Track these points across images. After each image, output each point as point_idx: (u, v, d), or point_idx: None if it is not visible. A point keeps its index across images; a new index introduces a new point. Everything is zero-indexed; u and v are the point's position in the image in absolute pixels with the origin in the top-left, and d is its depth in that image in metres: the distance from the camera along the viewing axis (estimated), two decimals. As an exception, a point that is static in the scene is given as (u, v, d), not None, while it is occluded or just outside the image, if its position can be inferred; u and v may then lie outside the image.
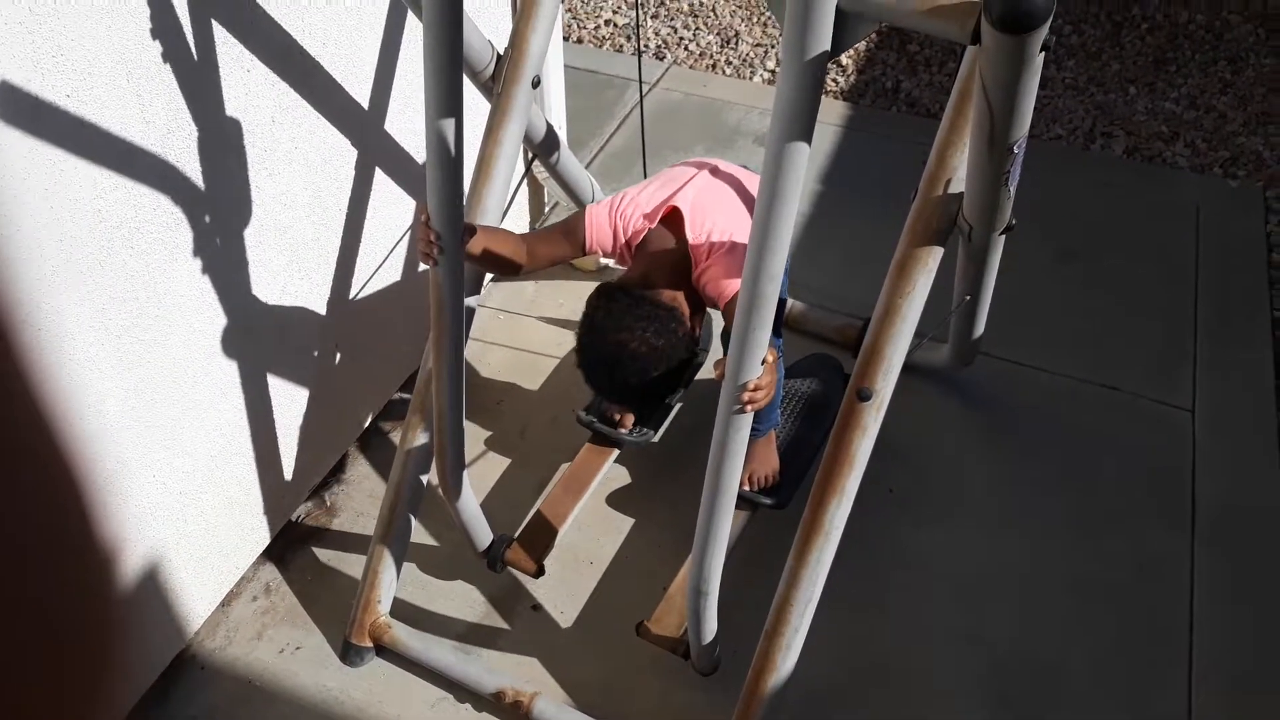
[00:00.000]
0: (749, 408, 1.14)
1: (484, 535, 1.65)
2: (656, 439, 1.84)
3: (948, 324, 1.84)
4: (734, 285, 1.44)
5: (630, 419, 1.83)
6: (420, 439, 1.59)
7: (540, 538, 1.70)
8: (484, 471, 1.96)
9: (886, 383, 1.33)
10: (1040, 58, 0.92)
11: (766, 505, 1.74)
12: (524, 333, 2.24)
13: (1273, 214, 2.58)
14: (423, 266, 1.92)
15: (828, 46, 0.92)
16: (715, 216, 1.53)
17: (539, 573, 1.68)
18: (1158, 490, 1.94)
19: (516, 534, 1.72)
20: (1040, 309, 2.29)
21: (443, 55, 1.08)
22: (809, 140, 0.96)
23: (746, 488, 1.73)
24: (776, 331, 1.64)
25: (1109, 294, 2.34)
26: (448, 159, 1.16)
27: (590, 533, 1.86)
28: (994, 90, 0.97)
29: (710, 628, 1.42)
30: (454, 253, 1.25)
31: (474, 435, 2.02)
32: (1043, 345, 2.21)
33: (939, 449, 2.02)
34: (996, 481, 1.96)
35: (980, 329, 1.82)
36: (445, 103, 1.12)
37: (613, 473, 1.90)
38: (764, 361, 1.12)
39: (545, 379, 2.14)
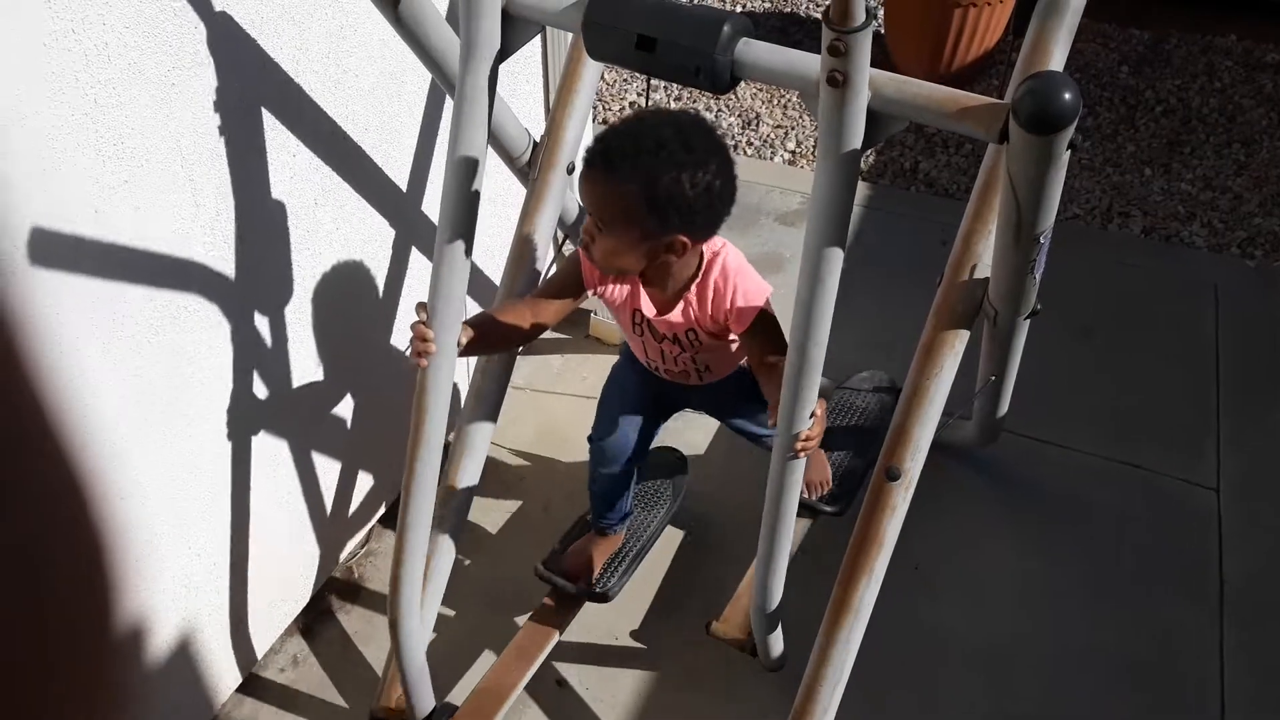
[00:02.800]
0: (801, 455, 1.24)
1: (426, 700, 1.59)
2: (614, 597, 1.77)
3: (972, 404, 1.86)
4: (750, 310, 1.41)
5: (599, 564, 1.78)
6: (451, 508, 1.61)
7: (487, 707, 1.63)
8: (505, 547, 1.98)
9: (915, 463, 1.35)
10: (1066, 155, 0.96)
11: (828, 513, 1.87)
12: (549, 408, 2.26)
13: (1291, 293, 2.60)
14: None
15: (859, 144, 0.96)
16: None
17: None
18: (1184, 568, 1.94)
19: (462, 703, 1.65)
20: (1061, 387, 2.31)
21: (467, 153, 1.16)
22: (847, 222, 1.04)
23: (806, 495, 1.81)
24: None
25: (1129, 372, 2.35)
26: (458, 260, 1.23)
27: (614, 608, 1.86)
28: (1021, 186, 1.01)
29: (775, 635, 1.55)
30: (447, 355, 1.29)
31: (497, 510, 2.04)
32: (1065, 423, 2.22)
33: (964, 526, 2.02)
34: (1020, 559, 1.96)
35: (1004, 408, 1.84)
36: (463, 206, 1.19)
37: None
38: (813, 414, 1.21)
39: (570, 454, 2.16)
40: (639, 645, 1.83)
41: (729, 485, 2.09)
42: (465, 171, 1.17)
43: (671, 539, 1.99)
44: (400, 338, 1.86)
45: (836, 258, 1.05)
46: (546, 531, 1.99)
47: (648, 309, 1.47)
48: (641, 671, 1.79)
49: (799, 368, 1.16)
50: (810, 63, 0.98)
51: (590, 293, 1.50)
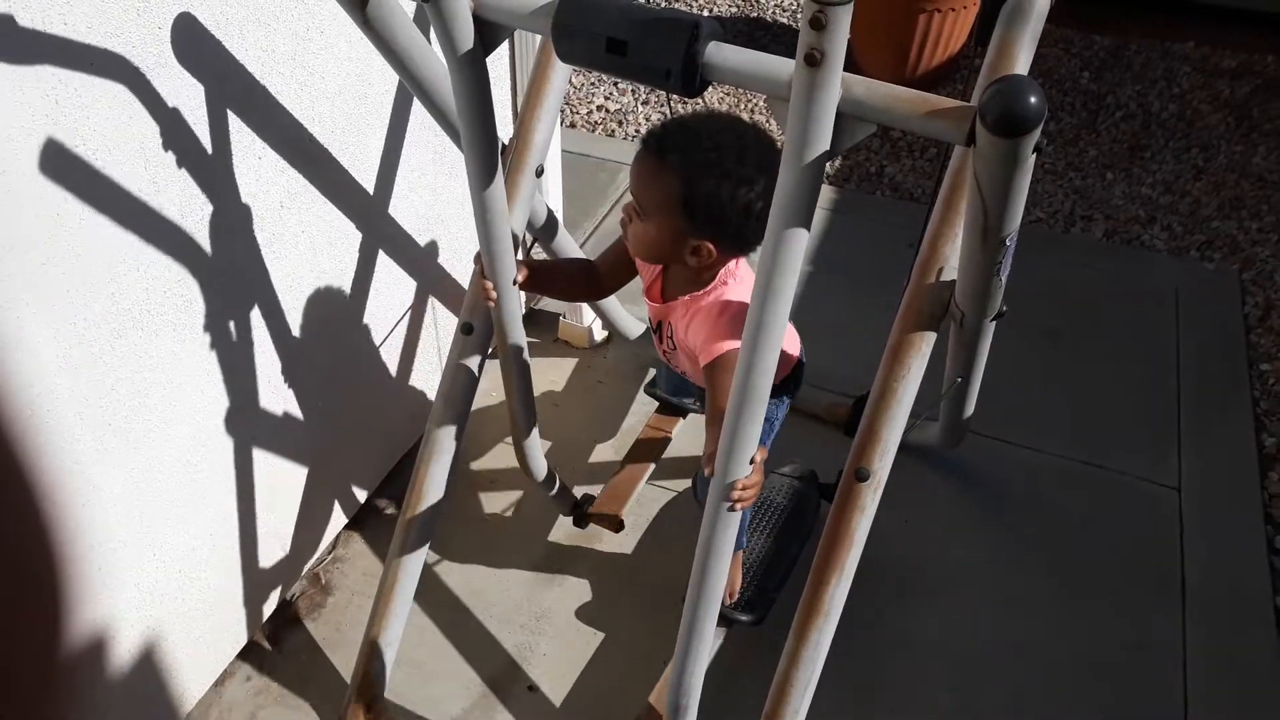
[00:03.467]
0: (738, 506, 1.16)
1: (564, 494, 1.89)
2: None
3: (938, 405, 1.87)
4: (719, 346, 1.36)
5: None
6: (420, 513, 1.60)
7: (620, 491, 1.95)
8: (473, 551, 1.97)
9: (883, 463, 1.35)
10: (1032, 158, 0.97)
11: (744, 623, 1.72)
12: (519, 411, 2.25)
13: (1249, 295, 2.65)
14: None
15: (827, 147, 0.97)
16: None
17: (619, 526, 1.91)
18: (1147, 567, 1.97)
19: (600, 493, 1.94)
20: (1026, 388, 2.33)
21: (481, 144, 1.23)
22: (807, 231, 1.02)
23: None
24: (791, 391, 1.65)
25: (1092, 373, 2.39)
26: (498, 227, 1.34)
27: (587, 613, 1.86)
28: (988, 188, 1.02)
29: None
30: (508, 296, 1.45)
31: (467, 514, 2.04)
32: (1029, 424, 2.25)
33: (930, 527, 2.04)
34: (986, 560, 1.98)
35: (971, 409, 1.86)
36: (488, 181, 1.29)
37: (604, 565, 1.91)
38: (752, 460, 1.14)
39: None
40: (612, 648, 1.82)
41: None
42: (485, 151, 1.26)
43: (651, 540, 2.00)
44: (371, 339, 1.84)
45: (793, 268, 1.02)
46: (516, 535, 1.99)
47: (654, 291, 1.49)
48: (615, 675, 1.78)
49: (740, 400, 1.09)
50: (779, 66, 0.98)
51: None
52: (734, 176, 1.26)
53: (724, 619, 1.63)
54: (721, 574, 1.26)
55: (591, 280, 1.61)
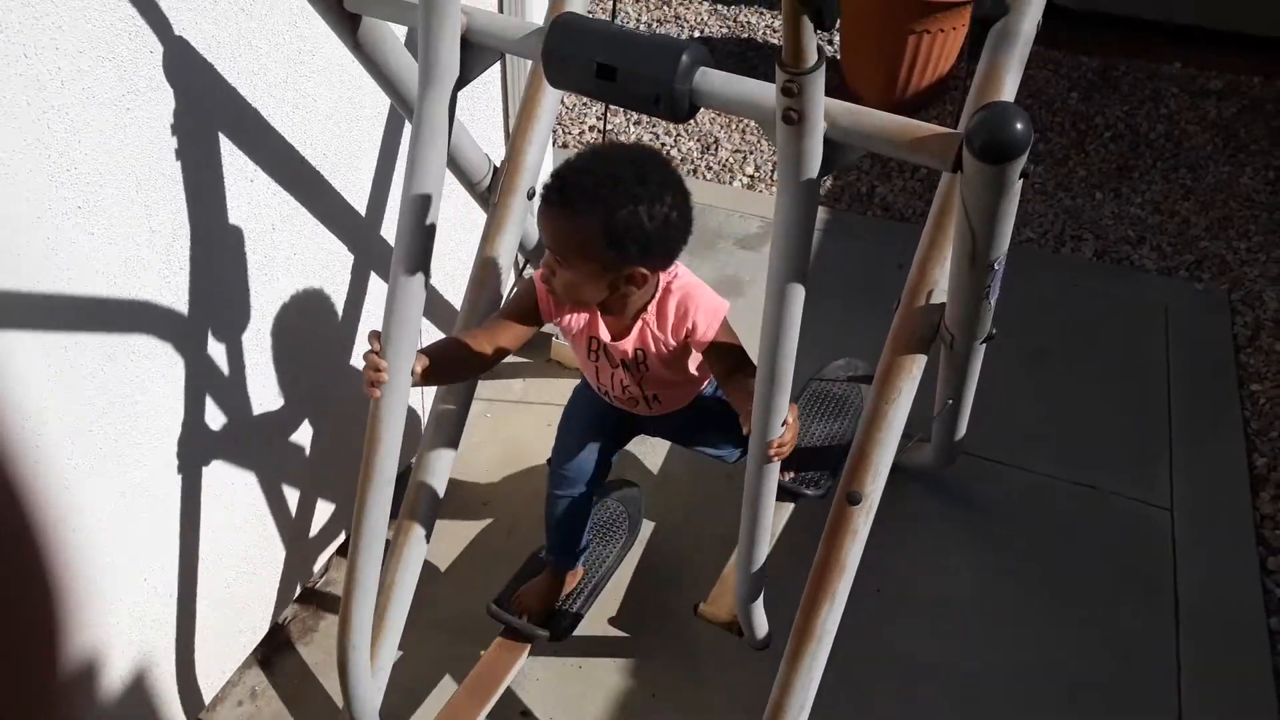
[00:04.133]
0: (776, 458, 1.28)
1: None
2: (567, 635, 1.77)
3: (932, 426, 1.88)
4: (710, 315, 1.45)
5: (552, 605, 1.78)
6: (412, 537, 1.59)
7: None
8: (468, 573, 1.96)
9: (875, 486, 1.36)
10: (1019, 184, 0.97)
11: (809, 496, 1.92)
12: (511, 432, 2.26)
13: (1238, 315, 2.66)
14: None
15: (816, 174, 0.98)
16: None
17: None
18: (1139, 586, 1.97)
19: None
20: (1017, 408, 2.34)
21: (426, 180, 1.17)
22: (809, 245, 1.06)
23: (785, 479, 1.88)
24: None
25: (1083, 393, 2.39)
26: (414, 288, 1.21)
27: (580, 635, 1.85)
28: (975, 214, 1.03)
29: (760, 620, 1.59)
30: (401, 385, 1.26)
31: (460, 536, 2.03)
32: (1021, 444, 2.25)
33: (924, 548, 2.04)
34: (980, 580, 1.98)
35: (962, 430, 1.86)
36: (418, 233, 1.18)
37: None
38: (784, 422, 1.25)
39: (533, 478, 2.15)
40: (602, 672, 1.81)
41: (691, 509, 2.09)
42: (422, 200, 1.17)
43: (632, 563, 1.99)
44: (358, 363, 1.84)
45: (800, 277, 1.08)
46: (511, 557, 1.98)
47: (604, 334, 1.50)
48: (605, 698, 1.77)
49: (769, 380, 1.19)
50: (767, 92, 0.99)
51: (549, 322, 1.51)
52: (643, 198, 1.27)
53: (792, 494, 1.93)
54: (768, 516, 1.38)
55: (476, 355, 1.45)
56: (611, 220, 1.27)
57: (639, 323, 1.47)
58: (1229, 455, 2.25)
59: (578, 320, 1.50)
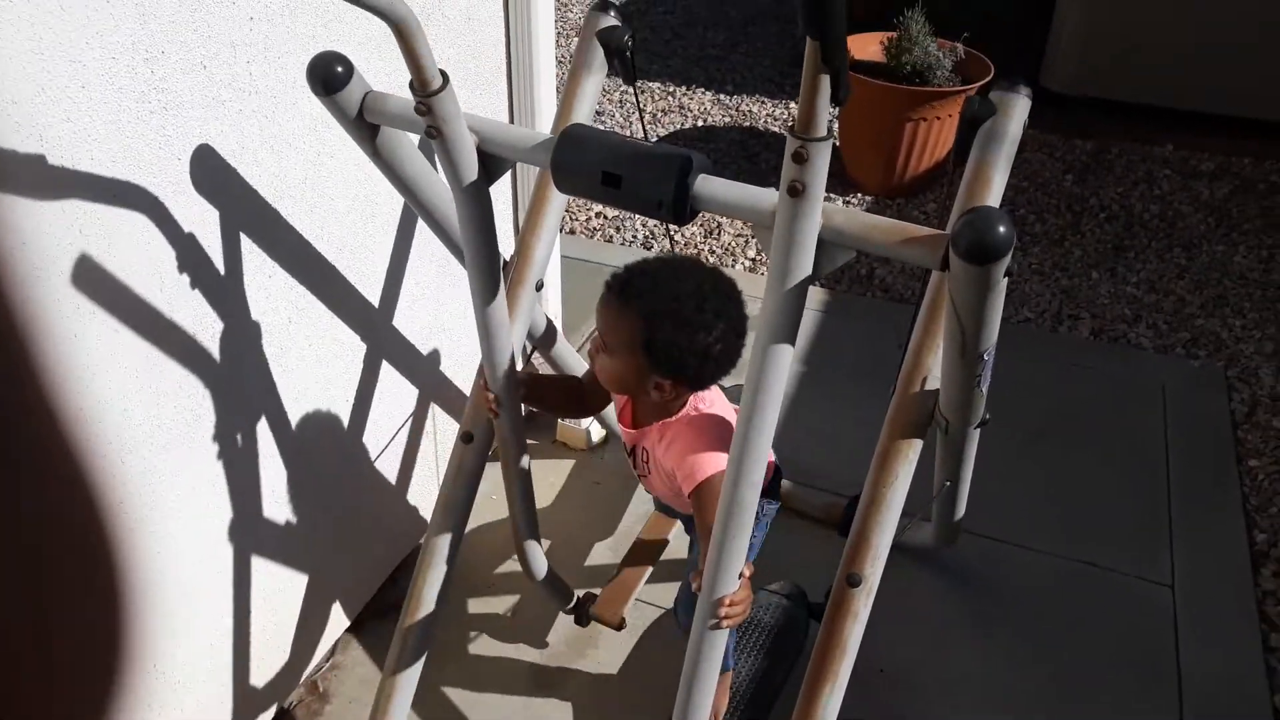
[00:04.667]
0: (725, 623, 1.19)
1: (565, 592, 1.89)
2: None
3: (930, 508, 1.91)
4: (701, 469, 1.42)
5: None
6: (418, 622, 1.61)
7: (620, 593, 1.93)
8: (473, 655, 1.98)
9: (875, 568, 1.38)
10: (1004, 282, 1.02)
11: None
12: (518, 513, 2.28)
13: (1235, 392, 2.70)
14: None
15: (809, 273, 1.03)
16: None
17: (621, 625, 1.87)
18: (1142, 666, 1.97)
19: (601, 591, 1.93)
20: (1017, 487, 2.36)
21: (484, 265, 1.30)
22: (791, 348, 1.07)
23: None
24: (774, 494, 1.70)
25: (1082, 471, 2.42)
26: (498, 333, 1.40)
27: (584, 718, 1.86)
28: (963, 309, 1.08)
29: None
30: (511, 408, 1.51)
31: (464, 617, 2.05)
32: (1021, 522, 2.27)
33: (926, 628, 2.05)
34: (983, 659, 1.99)
35: (962, 510, 1.89)
36: (490, 299, 1.35)
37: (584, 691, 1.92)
38: (740, 575, 1.18)
39: (539, 560, 2.17)
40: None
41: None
42: (487, 284, 1.34)
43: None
44: (373, 448, 1.88)
45: (779, 384, 1.08)
46: (514, 638, 1.99)
47: (623, 418, 1.57)
48: None
49: (728, 512, 1.14)
50: (761, 197, 1.05)
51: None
52: (693, 324, 1.34)
53: None
54: (707, 695, 1.28)
55: (580, 399, 1.69)
56: (654, 330, 1.34)
57: (652, 429, 1.51)
58: (1229, 532, 2.27)
59: (619, 399, 1.60)
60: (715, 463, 1.42)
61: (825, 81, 0.86)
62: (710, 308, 1.35)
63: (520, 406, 1.55)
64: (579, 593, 1.97)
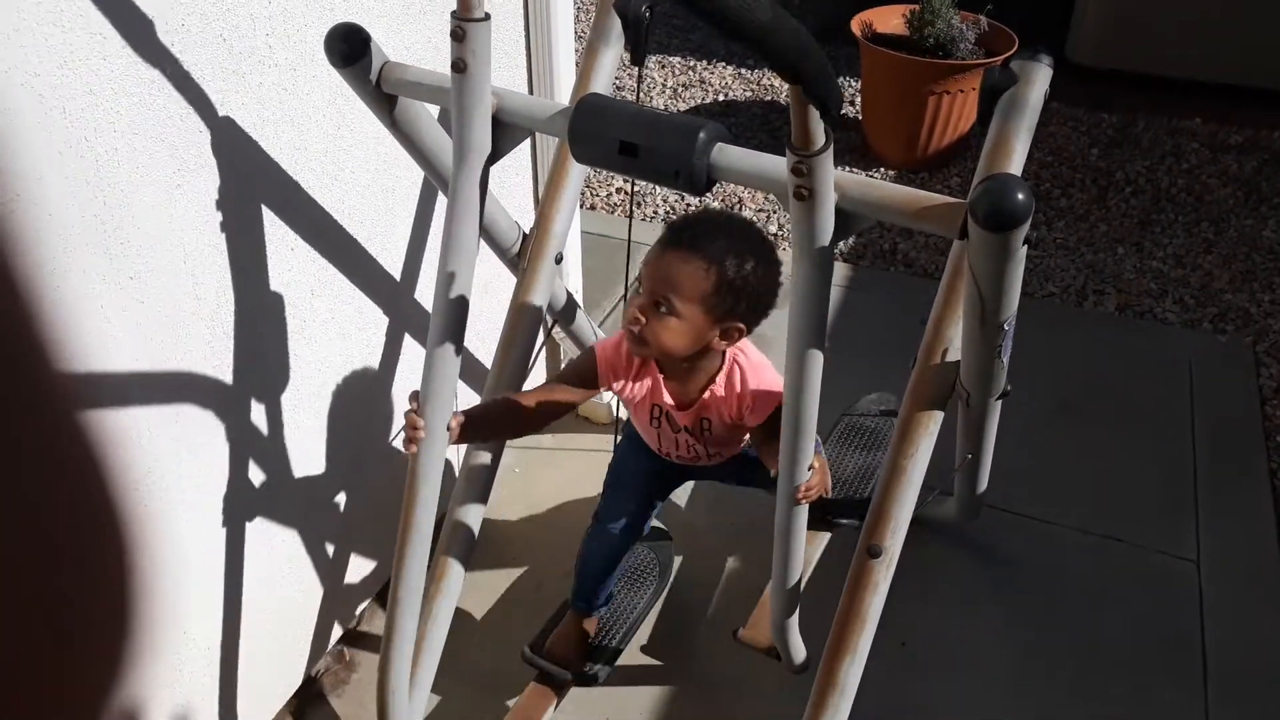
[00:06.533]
0: (803, 501, 1.33)
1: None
2: (603, 680, 1.80)
3: (952, 480, 1.90)
4: (767, 402, 1.51)
5: (591, 632, 1.83)
6: (444, 587, 1.62)
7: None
8: (497, 627, 1.99)
9: (895, 540, 1.38)
10: (1023, 250, 1.02)
11: (844, 525, 2.01)
12: (540, 486, 2.30)
13: (1263, 367, 2.67)
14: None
15: (829, 241, 1.02)
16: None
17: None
18: (1166, 643, 1.96)
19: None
20: (1042, 462, 2.35)
21: (461, 249, 1.24)
22: (826, 306, 1.11)
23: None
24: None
25: (1108, 446, 2.40)
26: (449, 351, 1.28)
27: (604, 688, 1.87)
28: (982, 278, 1.07)
29: (796, 644, 1.63)
30: (437, 442, 1.32)
31: (489, 591, 2.06)
32: (1046, 498, 2.26)
33: (950, 602, 2.05)
34: (1005, 634, 1.98)
35: (984, 484, 1.89)
36: (454, 297, 1.26)
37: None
38: (811, 467, 1.30)
39: (561, 532, 2.19)
40: (631, 717, 1.84)
41: (716, 550, 2.12)
42: (456, 268, 1.23)
43: (664, 611, 2.01)
44: (395, 422, 1.90)
45: (819, 341, 1.12)
46: (539, 611, 2.01)
47: (668, 401, 1.55)
48: (632, 752, 1.79)
49: (794, 429, 1.24)
50: (780, 166, 1.04)
51: (605, 390, 1.56)
52: (761, 259, 1.38)
53: (829, 525, 2.01)
54: (799, 557, 1.44)
55: (530, 419, 1.53)
56: (737, 269, 1.35)
57: (707, 394, 1.52)
58: (1255, 507, 2.25)
59: (639, 387, 1.55)
60: (776, 384, 1.52)
61: (813, 105, 0.86)
62: (766, 248, 1.40)
63: (444, 449, 1.39)
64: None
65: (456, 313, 1.25)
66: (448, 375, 1.29)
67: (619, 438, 1.83)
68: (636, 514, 1.75)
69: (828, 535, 2.02)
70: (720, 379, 1.51)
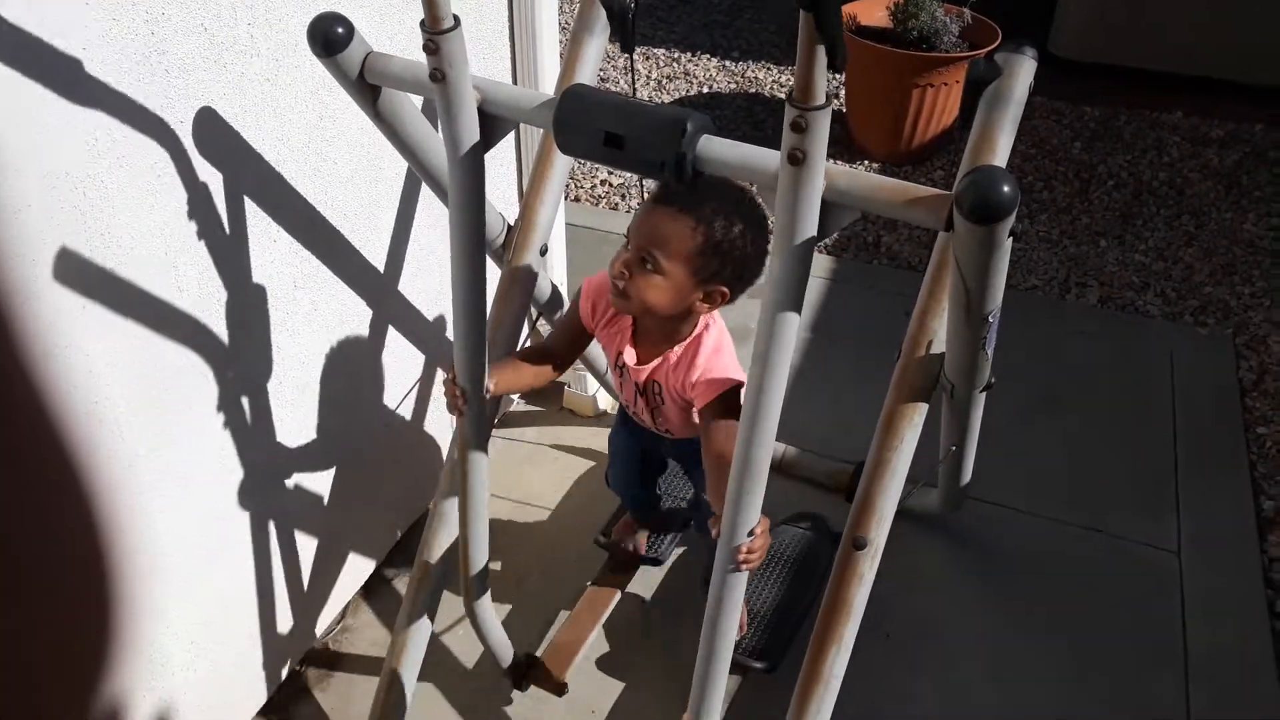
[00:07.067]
0: (744, 567, 1.21)
1: (506, 652, 1.75)
2: (668, 562, 2.02)
3: (936, 472, 1.91)
4: (728, 370, 1.45)
5: (644, 541, 2.00)
6: (428, 581, 1.62)
7: (563, 656, 1.84)
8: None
9: (880, 532, 1.39)
10: (1009, 242, 1.02)
11: (757, 669, 1.77)
12: (522, 484, 2.29)
13: (1243, 359, 2.69)
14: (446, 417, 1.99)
15: (814, 234, 1.02)
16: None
17: (562, 691, 1.79)
18: (1148, 632, 1.98)
19: (539, 652, 1.85)
20: (1023, 454, 2.36)
21: (469, 238, 1.22)
22: (799, 312, 1.06)
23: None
24: None
25: (1089, 438, 2.42)
26: (474, 325, 1.30)
27: (593, 681, 1.87)
28: (968, 270, 1.07)
29: None
30: (477, 404, 1.39)
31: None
32: (1028, 489, 2.27)
33: (933, 593, 2.06)
34: (989, 625, 2.00)
35: (967, 476, 1.89)
36: (471, 278, 1.26)
37: (615, 619, 1.93)
38: (751, 532, 1.19)
39: (544, 527, 2.18)
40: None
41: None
42: (471, 253, 1.25)
43: (660, 612, 2.02)
44: (378, 415, 1.89)
45: (787, 344, 1.07)
46: (521, 606, 2.01)
47: (629, 357, 1.52)
48: (617, 745, 1.80)
49: (742, 470, 1.14)
50: (765, 157, 1.04)
51: (590, 329, 1.57)
52: (751, 225, 1.36)
53: (737, 666, 1.68)
54: (731, 629, 1.29)
55: (553, 361, 1.58)
56: (726, 230, 1.34)
57: (660, 358, 1.49)
58: (1236, 498, 2.27)
59: (609, 334, 1.55)
60: (728, 371, 1.45)
61: (821, 50, 0.84)
62: (757, 214, 1.38)
63: (487, 412, 1.44)
64: (520, 655, 1.82)
65: (476, 291, 1.29)
66: (476, 343, 1.33)
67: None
68: (630, 483, 1.90)
69: (737, 679, 1.78)
70: (679, 347, 1.48)
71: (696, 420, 1.56)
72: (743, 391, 1.32)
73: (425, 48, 1.08)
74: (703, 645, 1.31)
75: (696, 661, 1.33)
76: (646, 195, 1.40)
